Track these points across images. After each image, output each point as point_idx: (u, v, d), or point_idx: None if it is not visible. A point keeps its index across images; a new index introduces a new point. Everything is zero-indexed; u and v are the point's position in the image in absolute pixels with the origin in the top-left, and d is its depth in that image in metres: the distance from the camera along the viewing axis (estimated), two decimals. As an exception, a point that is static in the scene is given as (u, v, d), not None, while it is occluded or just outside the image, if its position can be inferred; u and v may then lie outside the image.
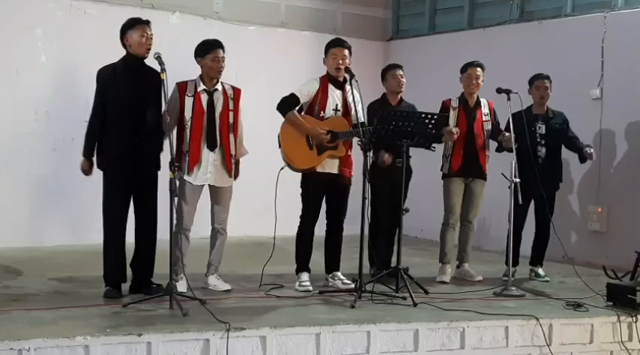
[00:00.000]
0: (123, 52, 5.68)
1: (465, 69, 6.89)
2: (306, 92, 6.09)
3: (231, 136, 5.92)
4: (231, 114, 5.91)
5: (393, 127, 6.00)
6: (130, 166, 5.55)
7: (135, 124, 5.54)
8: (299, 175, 6.14)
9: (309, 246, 6.20)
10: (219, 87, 5.92)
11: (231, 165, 5.92)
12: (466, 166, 6.78)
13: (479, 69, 6.83)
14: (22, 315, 4.94)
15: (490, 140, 6.88)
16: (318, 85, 6.11)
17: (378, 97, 6.85)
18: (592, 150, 6.84)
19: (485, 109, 6.87)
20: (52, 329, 4.58)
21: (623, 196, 7.79)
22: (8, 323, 4.71)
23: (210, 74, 5.86)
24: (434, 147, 6.56)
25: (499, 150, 6.90)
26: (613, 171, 7.92)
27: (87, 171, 5.67)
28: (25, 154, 7.98)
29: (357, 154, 6.14)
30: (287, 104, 6.03)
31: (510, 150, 6.41)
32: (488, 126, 6.87)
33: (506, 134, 6.53)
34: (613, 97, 7.90)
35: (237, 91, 6.01)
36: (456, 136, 6.63)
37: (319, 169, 6.05)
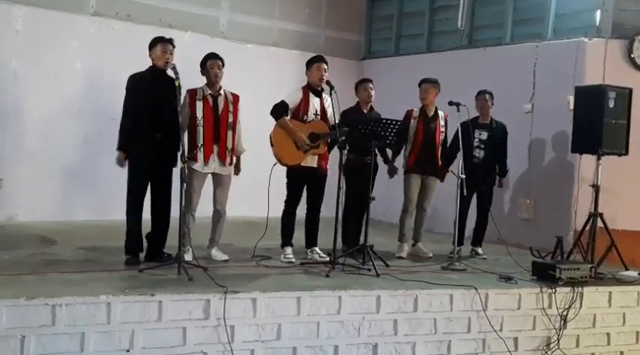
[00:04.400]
0: (143, 61, 5.63)
1: (418, 84, 6.88)
2: (292, 100, 6.08)
3: (230, 133, 5.89)
4: (230, 114, 5.90)
5: (365, 130, 5.99)
6: (151, 156, 5.50)
7: (157, 121, 5.49)
8: (284, 168, 6.12)
9: (292, 224, 6.17)
10: (222, 92, 5.91)
11: (225, 157, 5.87)
12: (422, 165, 6.79)
13: (426, 84, 6.80)
14: (56, 277, 4.90)
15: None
16: (302, 94, 6.09)
17: (352, 105, 6.84)
18: (503, 182, 7.17)
19: (442, 121, 6.88)
20: (80, 289, 4.54)
21: (548, 191, 7.83)
22: (44, 283, 4.67)
23: (210, 80, 5.85)
24: (397, 151, 6.57)
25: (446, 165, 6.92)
26: (540, 170, 7.96)
27: (123, 162, 5.52)
28: (60, 145, 7.87)
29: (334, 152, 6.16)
30: (279, 110, 6.01)
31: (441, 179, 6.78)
32: (443, 137, 6.88)
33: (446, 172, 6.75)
34: (541, 111, 7.94)
35: (235, 97, 6.00)
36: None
37: (302, 163, 6.05)
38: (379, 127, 6.00)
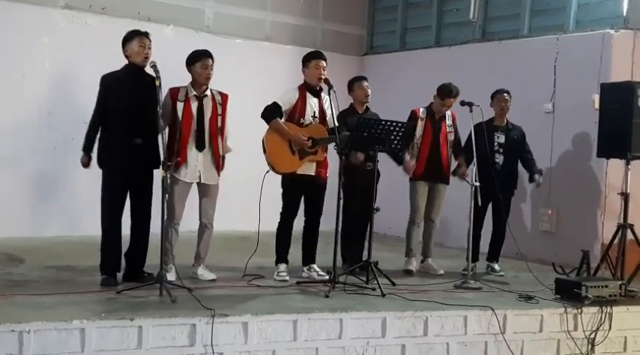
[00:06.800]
0: (120, 59, 5.62)
1: (443, 96, 6.77)
2: (287, 100, 6.07)
3: (220, 139, 5.89)
4: (219, 118, 5.89)
5: (367, 134, 5.97)
6: (129, 165, 5.50)
7: (135, 126, 5.49)
8: (279, 176, 6.11)
9: (288, 239, 6.17)
10: (208, 93, 5.89)
11: (219, 165, 5.88)
12: (430, 171, 6.80)
13: (453, 100, 6.77)
14: (23, 300, 4.87)
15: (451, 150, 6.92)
16: (298, 94, 6.09)
17: (346, 107, 6.82)
18: (540, 179, 6.94)
19: (449, 121, 6.89)
20: (50, 313, 4.52)
21: (571, 200, 7.84)
22: (10, 307, 4.64)
23: (199, 80, 5.82)
24: (402, 153, 6.57)
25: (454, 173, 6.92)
26: (562, 177, 7.96)
27: (86, 164, 5.59)
28: (28, 152, 7.87)
29: (332, 157, 6.16)
30: (271, 112, 6.00)
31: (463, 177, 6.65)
32: (451, 137, 6.89)
33: (463, 170, 6.73)
34: (563, 111, 7.95)
35: (224, 96, 5.98)
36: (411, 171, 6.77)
37: (299, 171, 6.03)
38: (384, 130, 5.98)
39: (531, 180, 7.03)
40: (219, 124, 5.88)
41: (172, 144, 5.72)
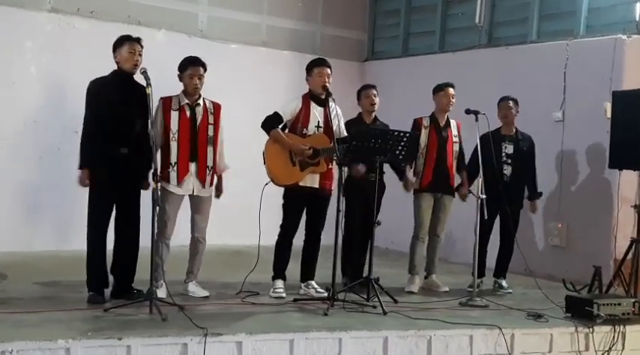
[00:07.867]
0: (110, 65, 5.64)
1: (440, 88, 6.87)
2: (289, 110, 6.08)
3: (210, 149, 5.87)
4: (210, 127, 5.88)
5: (368, 144, 5.98)
6: (116, 176, 5.49)
7: (123, 134, 5.49)
8: (280, 188, 6.11)
9: (287, 254, 6.17)
10: (201, 102, 5.89)
11: (204, 176, 5.85)
12: (436, 183, 6.80)
13: (452, 89, 6.85)
14: (6, 318, 4.84)
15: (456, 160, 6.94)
16: (301, 104, 6.10)
17: (353, 115, 6.83)
18: (537, 207, 7.20)
19: (454, 130, 6.90)
20: (35, 331, 4.50)
21: (582, 214, 7.84)
22: (-8, 326, 4.63)
23: (187, 89, 5.83)
24: (404, 166, 6.58)
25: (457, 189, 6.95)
26: (573, 189, 7.97)
27: (85, 182, 5.48)
28: (12, 162, 7.86)
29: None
30: (271, 122, 6.02)
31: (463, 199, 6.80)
32: (456, 148, 6.90)
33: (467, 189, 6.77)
34: (574, 120, 7.97)
35: (216, 106, 5.98)
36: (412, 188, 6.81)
37: (301, 183, 6.04)
38: (385, 140, 5.98)
39: (530, 198, 7.10)
40: (211, 134, 5.87)
41: (167, 155, 5.72)
